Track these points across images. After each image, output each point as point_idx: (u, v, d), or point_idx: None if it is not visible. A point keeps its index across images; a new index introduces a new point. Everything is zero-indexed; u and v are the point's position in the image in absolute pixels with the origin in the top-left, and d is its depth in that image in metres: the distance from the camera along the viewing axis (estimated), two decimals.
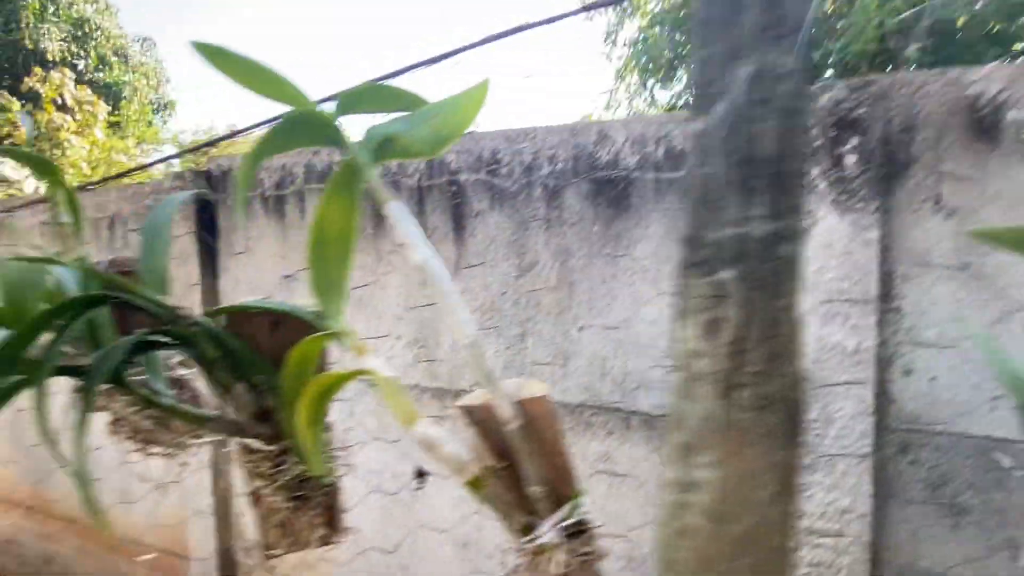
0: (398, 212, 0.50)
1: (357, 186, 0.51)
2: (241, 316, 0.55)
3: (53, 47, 8.86)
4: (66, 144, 6.16)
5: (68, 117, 6.63)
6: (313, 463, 0.48)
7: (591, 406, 1.43)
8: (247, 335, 0.55)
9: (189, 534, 2.07)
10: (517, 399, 0.46)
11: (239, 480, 1.97)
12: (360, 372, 0.47)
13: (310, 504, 0.59)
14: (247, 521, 2.04)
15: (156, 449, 0.65)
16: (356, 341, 0.49)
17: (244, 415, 0.53)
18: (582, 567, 0.47)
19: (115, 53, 9.80)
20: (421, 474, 1.10)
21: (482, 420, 0.48)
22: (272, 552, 0.62)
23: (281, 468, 0.57)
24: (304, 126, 0.48)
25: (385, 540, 1.66)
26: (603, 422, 1.42)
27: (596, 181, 1.41)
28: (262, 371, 0.54)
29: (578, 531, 0.48)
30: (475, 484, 0.45)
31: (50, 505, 2.63)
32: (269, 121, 1.83)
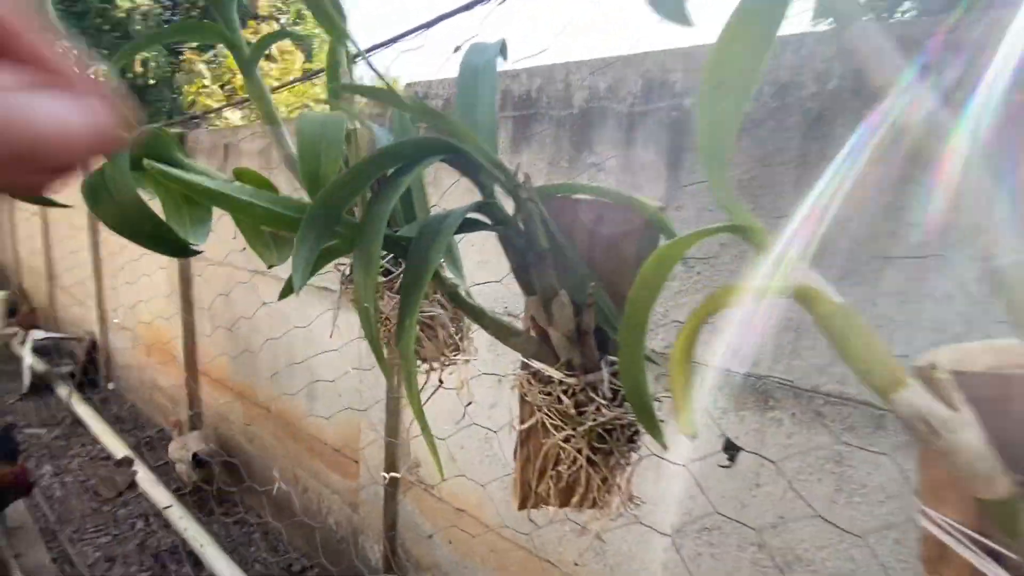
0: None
1: (780, 14, 0.33)
2: (562, 202, 0.40)
3: (263, 2, 10.11)
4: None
5: (272, 65, 7.62)
6: (682, 416, 0.33)
7: (826, 393, 1.14)
8: (565, 229, 0.41)
9: (362, 443, 2.24)
10: None
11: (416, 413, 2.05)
12: (791, 290, 0.30)
13: (610, 462, 0.45)
14: (413, 445, 2.14)
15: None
16: (767, 240, 0.31)
17: (558, 333, 0.39)
18: None
19: (308, 8, 10.86)
20: (731, 448, 0.89)
21: (997, 398, 0.28)
22: (540, 502, 0.50)
23: (584, 408, 0.43)
24: None
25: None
26: (845, 414, 1.13)
27: None
28: (583, 277, 0.40)
29: None
30: (999, 507, 0.26)
31: (254, 394, 3.07)
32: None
